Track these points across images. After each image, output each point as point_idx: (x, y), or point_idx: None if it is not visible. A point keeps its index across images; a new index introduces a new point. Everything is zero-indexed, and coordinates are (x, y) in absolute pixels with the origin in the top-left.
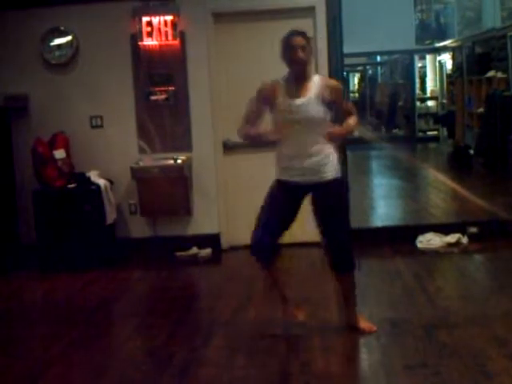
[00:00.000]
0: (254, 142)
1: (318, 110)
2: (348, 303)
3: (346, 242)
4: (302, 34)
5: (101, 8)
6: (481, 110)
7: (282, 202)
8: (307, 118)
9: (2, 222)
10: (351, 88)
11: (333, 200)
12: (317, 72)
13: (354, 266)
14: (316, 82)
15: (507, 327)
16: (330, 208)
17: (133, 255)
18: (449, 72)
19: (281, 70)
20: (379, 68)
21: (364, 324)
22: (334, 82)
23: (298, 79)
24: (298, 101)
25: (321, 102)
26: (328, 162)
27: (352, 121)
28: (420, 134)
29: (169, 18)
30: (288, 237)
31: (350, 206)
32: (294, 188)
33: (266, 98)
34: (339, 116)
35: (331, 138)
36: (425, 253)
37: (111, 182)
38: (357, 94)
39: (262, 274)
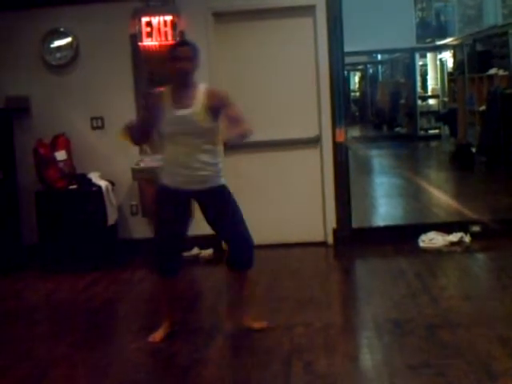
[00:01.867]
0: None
1: (202, 120)
2: (242, 302)
3: (244, 241)
4: (188, 45)
5: (100, 9)
6: (482, 107)
7: (170, 208)
8: (191, 128)
9: (5, 222)
10: (352, 87)
11: (221, 200)
12: (317, 72)
13: (251, 264)
14: (201, 92)
15: (511, 327)
16: (219, 207)
17: (134, 256)
18: (450, 70)
19: (281, 70)
20: (380, 67)
21: (257, 323)
22: (218, 92)
23: (182, 89)
24: (183, 111)
25: (205, 111)
26: (214, 170)
27: (240, 130)
28: (421, 133)
29: (168, 18)
30: (290, 237)
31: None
32: (181, 194)
33: (155, 104)
34: (230, 123)
35: (230, 143)
36: (427, 252)
37: (112, 183)
38: (358, 93)
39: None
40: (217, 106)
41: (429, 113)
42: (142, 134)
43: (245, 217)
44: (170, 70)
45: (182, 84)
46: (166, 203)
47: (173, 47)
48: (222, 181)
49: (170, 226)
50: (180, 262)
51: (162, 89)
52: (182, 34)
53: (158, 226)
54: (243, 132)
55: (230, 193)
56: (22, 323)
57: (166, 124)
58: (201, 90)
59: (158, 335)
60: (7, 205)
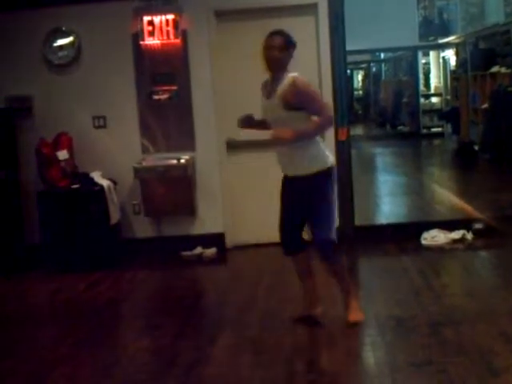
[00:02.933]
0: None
1: (281, 109)
2: (341, 292)
3: (322, 232)
4: (278, 34)
5: (102, 8)
6: (485, 105)
7: (285, 195)
8: (274, 117)
9: (7, 222)
10: (355, 85)
11: (311, 193)
12: (320, 70)
13: (330, 257)
14: (284, 83)
15: None
16: (307, 200)
17: (137, 255)
18: (453, 68)
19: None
20: (383, 65)
21: (351, 316)
22: (296, 85)
23: (273, 78)
24: (267, 101)
25: (284, 100)
26: (308, 156)
27: (309, 125)
28: (424, 131)
29: (170, 16)
30: None
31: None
32: (286, 179)
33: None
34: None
35: (274, 138)
36: (430, 249)
37: (115, 183)
38: (361, 92)
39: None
40: (298, 100)
41: (431, 111)
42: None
43: (245, 216)
44: (263, 59)
45: (270, 72)
46: (282, 187)
47: (267, 36)
48: (317, 167)
49: (282, 209)
50: (299, 243)
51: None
52: (184, 32)
53: (280, 207)
54: (316, 127)
55: (325, 182)
56: (24, 323)
57: (262, 112)
58: (286, 78)
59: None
60: (10, 205)
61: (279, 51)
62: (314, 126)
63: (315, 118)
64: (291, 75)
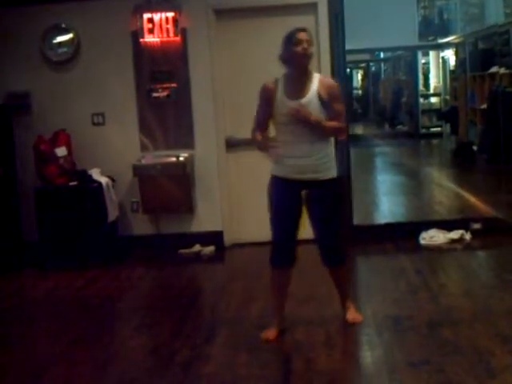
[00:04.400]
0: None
1: (317, 110)
2: (340, 294)
3: (337, 237)
4: (306, 31)
5: (102, 5)
6: (484, 106)
7: (284, 199)
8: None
9: (4, 219)
10: (354, 85)
11: (329, 199)
12: (319, 69)
13: (344, 260)
14: (315, 81)
15: (511, 324)
16: (325, 206)
17: (135, 253)
18: (452, 68)
19: (282, 67)
20: (382, 64)
21: (351, 315)
22: (332, 82)
23: (298, 77)
24: (298, 101)
25: (319, 102)
26: (327, 161)
27: (332, 123)
28: (423, 131)
29: (170, 14)
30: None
31: (346, 203)
32: (292, 184)
33: (267, 99)
34: (331, 117)
35: (296, 114)
36: (428, 249)
37: (113, 180)
38: (360, 91)
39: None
40: (328, 98)
41: (430, 111)
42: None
43: (244, 214)
44: (289, 56)
45: (301, 71)
46: (280, 194)
47: (291, 34)
48: (333, 173)
49: (283, 217)
50: (295, 255)
51: (273, 80)
52: (183, 30)
53: (272, 216)
54: (338, 127)
55: (337, 188)
56: (21, 320)
57: (279, 114)
58: (316, 79)
59: (271, 333)
60: (7, 202)
61: (311, 48)
62: (336, 125)
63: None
64: (318, 74)
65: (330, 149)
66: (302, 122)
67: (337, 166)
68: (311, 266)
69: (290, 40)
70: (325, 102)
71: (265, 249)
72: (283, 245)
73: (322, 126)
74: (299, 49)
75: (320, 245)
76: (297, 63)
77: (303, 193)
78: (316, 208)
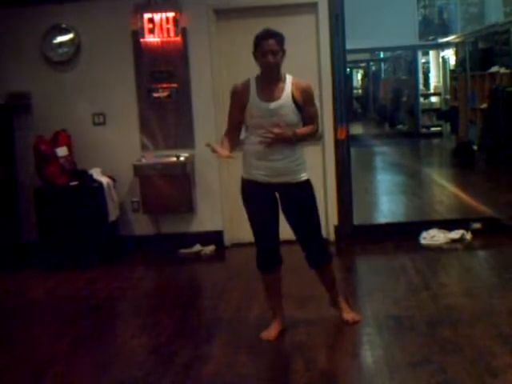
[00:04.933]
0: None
1: (291, 113)
2: (331, 294)
3: (319, 237)
4: (275, 36)
5: (102, 5)
6: (484, 105)
7: (259, 202)
8: (281, 121)
9: (4, 219)
10: (354, 84)
11: (308, 199)
12: (319, 69)
13: (331, 258)
14: (288, 84)
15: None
16: (302, 207)
17: (136, 253)
18: (452, 68)
19: (282, 67)
20: (382, 64)
21: (348, 315)
22: (305, 84)
23: (270, 82)
24: (272, 104)
25: (293, 104)
26: (299, 163)
27: (306, 129)
28: (423, 130)
29: (170, 14)
30: (292, 234)
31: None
32: (265, 186)
33: (239, 100)
34: (304, 119)
35: (277, 136)
36: (428, 249)
37: (113, 180)
38: (360, 91)
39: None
40: (303, 101)
41: (430, 110)
42: (233, 138)
43: (244, 214)
44: (259, 63)
45: (270, 76)
46: (252, 197)
47: (258, 39)
48: (305, 175)
49: (262, 220)
50: (279, 256)
51: (244, 82)
52: (183, 30)
53: (251, 221)
54: (312, 131)
55: (312, 189)
56: (22, 320)
57: (251, 116)
58: (289, 82)
59: (271, 333)
60: (7, 202)
61: (279, 55)
62: (310, 130)
63: (308, 126)
64: (290, 77)
65: (301, 151)
66: (280, 141)
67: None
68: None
69: (256, 46)
70: (299, 105)
71: None
72: (267, 248)
73: (298, 137)
74: (264, 60)
75: (305, 247)
76: (264, 71)
77: (277, 195)
78: (295, 210)
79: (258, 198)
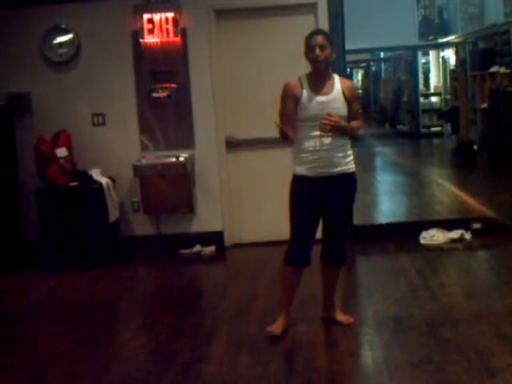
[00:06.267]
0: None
1: (342, 106)
2: (330, 295)
3: (346, 235)
4: (322, 33)
5: (102, 5)
6: (484, 105)
7: (308, 199)
8: (333, 113)
9: (6, 220)
10: (355, 84)
11: (351, 192)
12: None
13: (346, 260)
14: (337, 81)
15: (511, 323)
16: (347, 201)
17: (136, 253)
18: (452, 68)
19: (282, 67)
20: (382, 64)
21: (341, 317)
22: (351, 83)
23: (320, 77)
24: (325, 97)
25: (343, 99)
26: (350, 154)
27: (356, 123)
28: (424, 130)
29: (170, 14)
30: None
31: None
32: (317, 183)
33: (293, 96)
34: (349, 115)
35: (331, 127)
36: (428, 249)
37: (113, 180)
38: (360, 91)
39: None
40: (351, 97)
41: (431, 110)
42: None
43: (244, 214)
44: (308, 60)
45: (320, 72)
46: (304, 194)
47: (307, 38)
48: (354, 167)
49: (307, 217)
50: (309, 257)
51: (296, 78)
52: (183, 30)
53: (295, 216)
54: (359, 126)
55: (356, 184)
56: (23, 321)
57: (305, 109)
58: (337, 79)
59: (277, 327)
60: (8, 202)
61: (327, 50)
62: (358, 124)
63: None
64: (335, 75)
65: (349, 143)
66: (335, 130)
67: None
68: (311, 266)
69: (306, 44)
70: (348, 100)
71: (265, 249)
72: (303, 244)
73: (352, 129)
74: (312, 55)
75: (330, 242)
76: (312, 67)
77: (325, 193)
78: (341, 202)
79: (310, 195)
